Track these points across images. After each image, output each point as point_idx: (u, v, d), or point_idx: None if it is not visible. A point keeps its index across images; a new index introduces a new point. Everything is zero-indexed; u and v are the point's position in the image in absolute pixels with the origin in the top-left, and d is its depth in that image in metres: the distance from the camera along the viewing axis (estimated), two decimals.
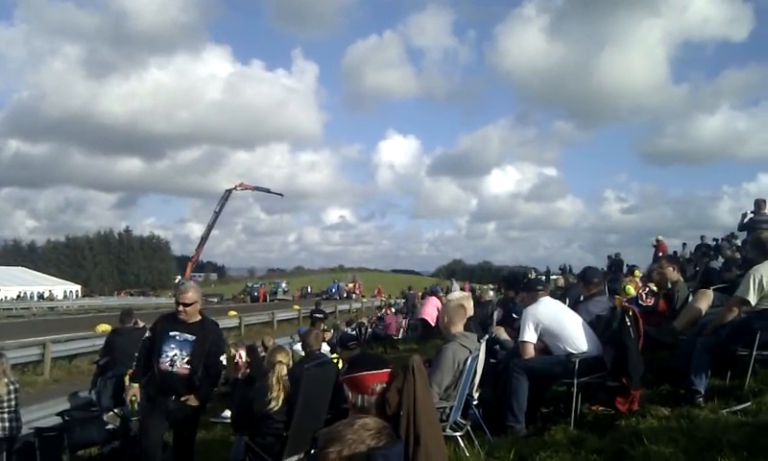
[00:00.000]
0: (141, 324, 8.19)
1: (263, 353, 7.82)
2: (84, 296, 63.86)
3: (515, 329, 6.13)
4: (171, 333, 4.65)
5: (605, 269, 17.71)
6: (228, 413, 7.04)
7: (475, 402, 4.62)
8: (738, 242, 14.60)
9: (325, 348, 8.32)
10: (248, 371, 7.01)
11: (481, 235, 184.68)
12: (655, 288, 6.32)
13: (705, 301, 5.48)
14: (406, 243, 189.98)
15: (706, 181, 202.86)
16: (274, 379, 4.58)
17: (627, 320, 4.59)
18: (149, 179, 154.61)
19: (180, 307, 4.66)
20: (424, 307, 14.21)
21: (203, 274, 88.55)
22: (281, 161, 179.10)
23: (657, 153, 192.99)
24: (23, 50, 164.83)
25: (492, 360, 5.55)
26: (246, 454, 4.50)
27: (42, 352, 13.60)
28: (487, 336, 5.62)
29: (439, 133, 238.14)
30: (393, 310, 21.92)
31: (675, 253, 17.77)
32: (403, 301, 26.84)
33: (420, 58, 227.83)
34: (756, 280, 4.44)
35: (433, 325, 12.26)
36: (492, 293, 13.17)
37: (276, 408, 4.50)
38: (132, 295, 68.74)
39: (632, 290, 7.54)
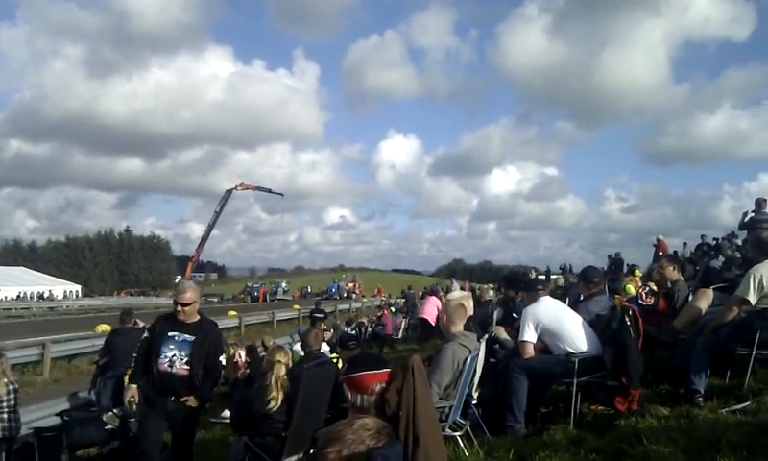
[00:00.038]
0: (141, 324, 8.20)
1: (263, 353, 7.82)
2: (84, 296, 63.84)
3: (514, 329, 6.12)
4: (170, 334, 4.62)
5: (605, 268, 17.73)
6: (227, 413, 7.04)
7: (475, 402, 4.62)
8: (739, 241, 14.62)
9: (325, 347, 8.32)
10: (247, 371, 7.01)
11: (482, 235, 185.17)
12: (655, 288, 6.32)
13: (705, 300, 5.47)
14: (407, 243, 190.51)
15: (706, 180, 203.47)
16: (272, 379, 4.56)
17: (627, 319, 4.58)
18: (150, 179, 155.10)
19: (179, 308, 4.64)
20: (424, 307, 14.23)
21: (203, 274, 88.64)
22: (282, 161, 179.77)
23: (658, 152, 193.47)
24: (25, 50, 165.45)
25: (491, 360, 5.56)
26: (245, 454, 4.50)
27: (42, 353, 13.59)
28: (487, 336, 5.63)
29: (440, 132, 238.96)
30: (393, 310, 21.91)
31: (675, 252, 17.77)
32: (403, 300, 26.84)
33: (422, 57, 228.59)
34: (757, 280, 4.44)
35: (433, 324, 12.27)
36: (492, 292, 13.15)
37: (276, 408, 4.49)
38: (132, 295, 68.69)
39: (632, 289, 7.54)
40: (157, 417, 4.62)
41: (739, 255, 11.77)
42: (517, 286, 8.08)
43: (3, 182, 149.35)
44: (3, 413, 5.92)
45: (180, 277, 57.87)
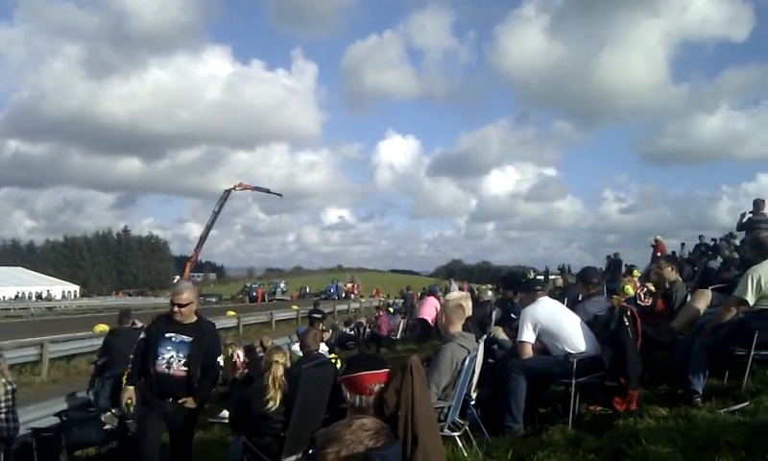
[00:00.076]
0: (139, 324, 8.18)
1: (261, 354, 7.82)
2: (82, 296, 63.77)
3: (513, 329, 6.13)
4: (167, 335, 4.57)
5: (603, 269, 17.74)
6: (225, 413, 7.04)
7: (473, 402, 4.61)
8: (737, 242, 14.64)
9: (324, 348, 8.32)
10: (246, 371, 7.01)
11: (480, 235, 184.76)
12: (653, 288, 6.33)
13: (703, 301, 5.48)
14: (405, 243, 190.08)
15: (705, 181, 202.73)
16: (270, 380, 4.55)
17: (625, 320, 4.59)
18: (148, 179, 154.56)
19: (176, 308, 4.59)
20: (423, 307, 14.24)
21: (201, 274, 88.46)
22: (281, 161, 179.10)
23: (656, 153, 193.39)
24: (23, 50, 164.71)
25: (490, 360, 5.56)
26: (244, 454, 4.49)
27: (40, 353, 13.59)
28: (485, 336, 5.63)
29: (438, 133, 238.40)
30: (390, 310, 21.89)
31: (673, 253, 17.81)
32: (402, 301, 26.84)
33: (420, 58, 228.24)
34: (755, 280, 4.45)
35: (432, 324, 12.28)
36: (490, 293, 13.14)
37: (274, 408, 4.48)
38: (130, 295, 68.61)
39: (630, 290, 7.53)
40: (156, 418, 4.58)
41: (737, 256, 11.78)
42: (516, 287, 8.11)
43: (1, 182, 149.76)
44: (1, 413, 5.89)
45: (178, 277, 57.79)
